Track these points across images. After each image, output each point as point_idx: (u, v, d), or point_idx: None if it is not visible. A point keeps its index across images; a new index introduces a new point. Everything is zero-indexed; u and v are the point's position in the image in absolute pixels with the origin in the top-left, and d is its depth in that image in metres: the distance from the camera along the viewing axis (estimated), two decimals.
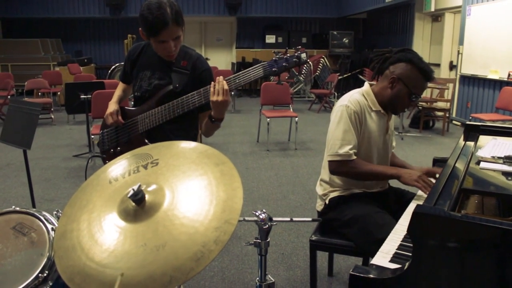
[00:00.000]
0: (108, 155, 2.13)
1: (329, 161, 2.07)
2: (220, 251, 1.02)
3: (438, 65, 8.86)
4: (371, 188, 2.16)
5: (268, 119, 6.13)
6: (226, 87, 1.75)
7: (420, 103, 7.48)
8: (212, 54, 13.50)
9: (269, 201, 4.17)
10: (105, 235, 1.12)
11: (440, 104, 7.59)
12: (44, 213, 1.41)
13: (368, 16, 12.53)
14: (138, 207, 1.13)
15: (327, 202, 2.18)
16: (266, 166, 5.33)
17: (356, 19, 12.77)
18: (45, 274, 1.24)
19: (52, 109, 8.12)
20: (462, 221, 1.13)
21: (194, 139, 2.16)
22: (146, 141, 2.01)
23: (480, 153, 1.82)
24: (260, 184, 4.67)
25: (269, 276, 1.43)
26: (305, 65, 10.35)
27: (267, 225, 1.31)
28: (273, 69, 1.77)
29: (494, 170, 1.66)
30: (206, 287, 2.65)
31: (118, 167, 1.34)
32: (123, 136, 2.10)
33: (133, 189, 1.11)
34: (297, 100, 10.69)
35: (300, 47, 1.83)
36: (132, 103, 2.18)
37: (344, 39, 12.05)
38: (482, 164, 1.71)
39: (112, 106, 2.09)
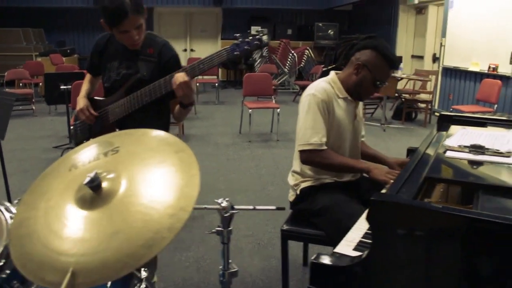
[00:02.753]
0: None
1: (300, 151, 2.08)
2: (173, 238, 1.02)
3: (421, 57, 8.93)
4: (342, 178, 2.17)
5: (250, 111, 6.12)
6: (185, 78, 1.79)
7: (403, 94, 7.54)
8: (197, 45, 13.42)
9: (248, 192, 4.18)
10: (61, 222, 1.11)
11: (423, 96, 7.66)
12: (5, 202, 1.40)
13: (353, 8, 12.54)
14: (94, 194, 1.12)
15: (298, 192, 2.19)
16: (247, 157, 5.34)
17: (341, 11, 12.77)
18: (1, 263, 1.23)
19: (33, 100, 8.00)
20: (417, 208, 1.14)
21: (165, 126, 2.16)
22: (117, 130, 2.00)
23: (448, 142, 1.84)
24: (240, 175, 4.68)
25: (232, 264, 1.44)
26: (289, 57, 10.35)
27: (228, 213, 1.32)
28: (235, 52, 1.80)
29: (460, 159, 1.68)
30: (180, 277, 2.66)
31: (80, 155, 1.33)
32: (95, 127, 2.09)
33: (89, 176, 1.10)
34: (282, 92, 10.69)
35: (261, 29, 1.84)
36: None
37: (330, 31, 12.05)
38: (449, 153, 1.73)
39: (81, 101, 2.07)
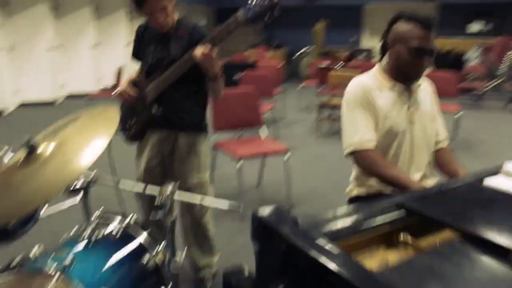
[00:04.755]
0: (124, 128, 2.28)
1: (346, 155, 1.83)
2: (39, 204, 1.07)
3: None
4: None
5: None
6: (206, 49, 1.85)
7: None
8: None
9: None
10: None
11: None
12: None
13: None
14: (30, 155, 1.26)
15: (347, 202, 1.94)
16: None
17: None
18: None
19: None
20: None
21: (202, 105, 2.23)
22: (153, 110, 2.13)
23: (509, 166, 1.32)
24: None
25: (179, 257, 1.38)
26: (507, 56, 8.84)
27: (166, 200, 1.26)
28: (247, 16, 1.77)
29: (499, 192, 1.18)
30: None
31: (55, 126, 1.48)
32: (137, 108, 2.22)
33: (24, 139, 1.24)
34: (492, 97, 9.14)
35: None
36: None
37: None
38: (490, 180, 1.24)
39: (123, 84, 2.22)
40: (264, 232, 0.93)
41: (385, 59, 1.83)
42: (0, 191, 1.22)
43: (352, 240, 1.01)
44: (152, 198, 2.19)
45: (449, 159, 1.91)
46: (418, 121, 1.83)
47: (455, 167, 1.86)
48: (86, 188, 1.59)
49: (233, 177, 3.30)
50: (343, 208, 1.11)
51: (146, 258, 1.60)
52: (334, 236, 0.97)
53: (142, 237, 1.66)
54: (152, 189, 1.32)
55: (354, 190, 1.93)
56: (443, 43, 11.29)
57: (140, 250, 1.64)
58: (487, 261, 0.84)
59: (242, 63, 6.80)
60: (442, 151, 1.93)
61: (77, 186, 1.57)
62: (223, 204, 1.31)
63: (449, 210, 1.08)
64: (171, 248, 1.34)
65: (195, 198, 1.35)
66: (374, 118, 1.78)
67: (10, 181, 1.23)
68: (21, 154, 1.30)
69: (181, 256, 1.39)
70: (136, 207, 1.86)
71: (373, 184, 1.84)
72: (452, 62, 10.31)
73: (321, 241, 0.87)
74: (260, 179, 4.13)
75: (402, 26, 1.73)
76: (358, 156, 1.78)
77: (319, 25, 11.76)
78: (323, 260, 0.78)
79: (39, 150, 1.25)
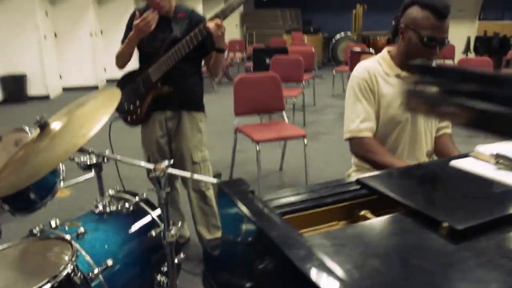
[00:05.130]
0: (127, 113, 2.41)
1: (345, 140, 1.90)
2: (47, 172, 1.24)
3: None
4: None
5: None
6: (218, 22, 2.06)
7: None
8: (451, 27, 12.24)
9: None
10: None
11: None
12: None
13: None
14: (42, 132, 1.44)
15: None
16: None
17: None
18: None
19: None
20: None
21: (200, 82, 2.43)
22: (159, 85, 2.28)
23: (481, 148, 1.38)
24: None
25: (175, 228, 1.50)
26: None
27: (160, 175, 1.39)
28: None
29: (464, 172, 1.25)
30: None
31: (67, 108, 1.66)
32: (140, 90, 2.35)
33: (37, 118, 1.43)
34: None
35: None
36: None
37: None
38: (457, 162, 1.30)
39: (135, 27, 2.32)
40: (225, 199, 1.06)
41: (397, 45, 1.83)
42: (19, 163, 1.42)
43: (309, 214, 1.12)
44: None
45: (447, 144, 1.93)
46: None
47: (450, 151, 1.88)
48: (98, 165, 1.76)
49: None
50: (309, 185, 1.22)
51: (155, 232, 1.77)
52: (290, 209, 1.08)
53: (153, 213, 1.84)
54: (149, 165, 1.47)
55: (352, 174, 2.00)
56: (486, 26, 10.86)
57: (151, 224, 1.82)
58: (419, 232, 0.92)
59: (274, 48, 6.85)
60: (442, 137, 1.95)
61: (92, 162, 1.74)
62: (212, 179, 1.45)
63: (400, 186, 1.17)
64: (166, 219, 1.47)
65: (185, 173, 1.49)
66: (376, 105, 1.82)
67: (27, 154, 1.42)
68: (37, 131, 1.50)
69: (177, 227, 1.51)
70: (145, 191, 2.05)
71: (370, 169, 1.90)
72: (497, 46, 9.90)
73: (261, 206, 0.99)
74: (282, 163, 4.25)
75: (417, 12, 1.69)
76: (355, 143, 1.84)
77: (358, 9, 11.58)
78: (253, 218, 0.92)
79: (51, 127, 1.43)
